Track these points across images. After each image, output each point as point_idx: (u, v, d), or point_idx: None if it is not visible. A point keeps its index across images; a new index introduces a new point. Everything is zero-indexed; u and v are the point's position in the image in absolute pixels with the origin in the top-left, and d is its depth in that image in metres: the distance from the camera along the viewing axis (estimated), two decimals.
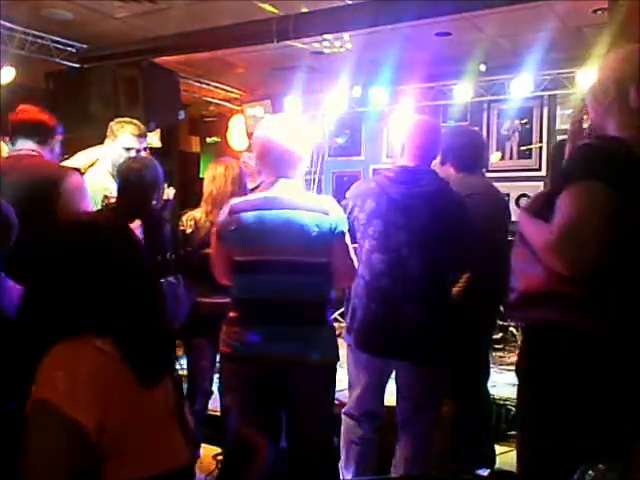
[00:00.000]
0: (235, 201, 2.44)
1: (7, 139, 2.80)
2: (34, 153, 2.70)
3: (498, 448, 3.37)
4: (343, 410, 2.79)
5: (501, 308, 3.01)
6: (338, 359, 2.49)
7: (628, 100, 1.66)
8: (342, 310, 2.71)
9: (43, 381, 1.22)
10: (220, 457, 3.35)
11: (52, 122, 2.80)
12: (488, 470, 3.22)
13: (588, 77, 5.01)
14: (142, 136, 3.55)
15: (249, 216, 2.34)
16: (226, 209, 2.40)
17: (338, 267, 2.41)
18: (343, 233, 2.40)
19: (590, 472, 1.58)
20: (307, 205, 2.37)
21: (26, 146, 2.70)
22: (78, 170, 2.83)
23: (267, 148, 2.39)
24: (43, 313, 1.33)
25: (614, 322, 1.55)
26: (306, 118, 2.61)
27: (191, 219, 3.47)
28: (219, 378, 3.53)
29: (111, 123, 3.55)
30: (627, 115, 1.67)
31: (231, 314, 2.41)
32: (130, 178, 2.99)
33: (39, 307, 1.34)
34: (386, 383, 2.77)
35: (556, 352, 1.63)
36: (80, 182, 2.69)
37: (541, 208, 1.68)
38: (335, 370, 2.46)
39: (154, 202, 3.05)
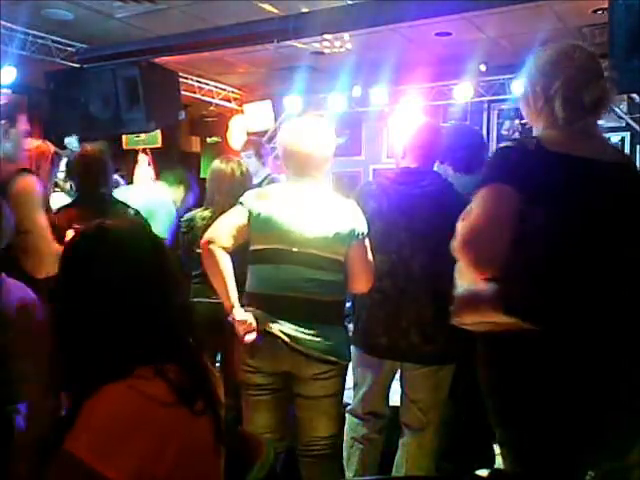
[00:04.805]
0: (263, 189, 2.50)
1: None
2: None
3: (498, 448, 3.37)
4: (347, 409, 2.79)
5: None
6: (350, 360, 2.51)
7: (554, 110, 1.71)
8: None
9: (79, 434, 1.13)
10: None
11: None
12: (488, 470, 3.22)
13: None
14: None
15: (276, 205, 2.38)
16: (253, 194, 2.44)
17: (356, 269, 2.46)
18: (364, 235, 2.45)
19: (590, 472, 1.59)
20: (332, 203, 2.44)
21: None
22: (28, 170, 2.56)
23: (293, 151, 2.45)
24: (92, 351, 1.21)
25: (533, 317, 1.58)
26: (324, 119, 2.65)
27: (189, 219, 3.47)
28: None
29: None
30: (553, 121, 1.72)
31: (247, 310, 2.39)
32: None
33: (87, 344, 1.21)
34: (391, 383, 2.77)
35: (496, 352, 1.70)
36: (30, 184, 2.42)
37: None
38: (346, 371, 2.49)
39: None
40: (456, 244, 1.64)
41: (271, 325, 2.32)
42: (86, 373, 1.20)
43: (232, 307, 2.34)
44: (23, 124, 2.53)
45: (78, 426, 1.14)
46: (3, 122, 2.43)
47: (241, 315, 2.32)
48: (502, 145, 1.76)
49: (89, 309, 1.22)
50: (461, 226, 1.65)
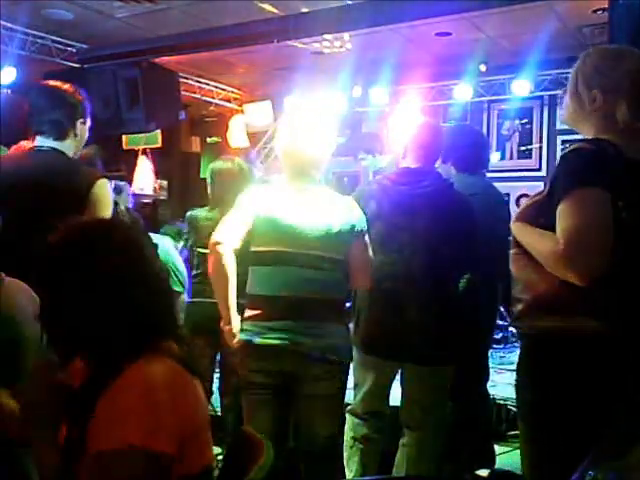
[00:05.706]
0: (263, 190, 2.48)
1: None
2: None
3: (498, 448, 3.37)
4: (347, 409, 2.79)
5: (501, 309, 3.00)
6: (352, 360, 2.51)
7: (615, 111, 1.66)
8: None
9: (124, 423, 1.18)
10: (220, 457, 3.34)
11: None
12: (488, 470, 3.22)
13: None
14: None
15: (276, 206, 2.37)
16: (255, 194, 2.44)
17: (357, 266, 2.45)
18: (364, 231, 2.45)
19: (590, 472, 1.58)
20: (332, 202, 2.43)
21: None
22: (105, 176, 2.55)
23: (292, 151, 2.43)
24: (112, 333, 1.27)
25: (625, 322, 1.57)
26: (324, 115, 2.63)
27: (190, 219, 3.46)
28: (219, 378, 3.55)
29: None
30: (610, 123, 1.67)
31: (248, 312, 2.38)
32: None
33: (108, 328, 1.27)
34: (391, 383, 2.77)
35: (570, 357, 1.63)
36: (109, 192, 2.43)
37: (537, 217, 1.68)
38: (348, 371, 2.49)
39: None
40: (556, 257, 1.56)
41: (270, 336, 2.32)
42: (96, 371, 1.26)
43: (229, 319, 2.35)
44: (89, 121, 2.63)
45: (114, 421, 1.19)
46: (81, 120, 2.53)
47: (235, 337, 2.37)
48: (575, 147, 1.65)
49: (90, 303, 1.26)
50: (556, 240, 1.56)
